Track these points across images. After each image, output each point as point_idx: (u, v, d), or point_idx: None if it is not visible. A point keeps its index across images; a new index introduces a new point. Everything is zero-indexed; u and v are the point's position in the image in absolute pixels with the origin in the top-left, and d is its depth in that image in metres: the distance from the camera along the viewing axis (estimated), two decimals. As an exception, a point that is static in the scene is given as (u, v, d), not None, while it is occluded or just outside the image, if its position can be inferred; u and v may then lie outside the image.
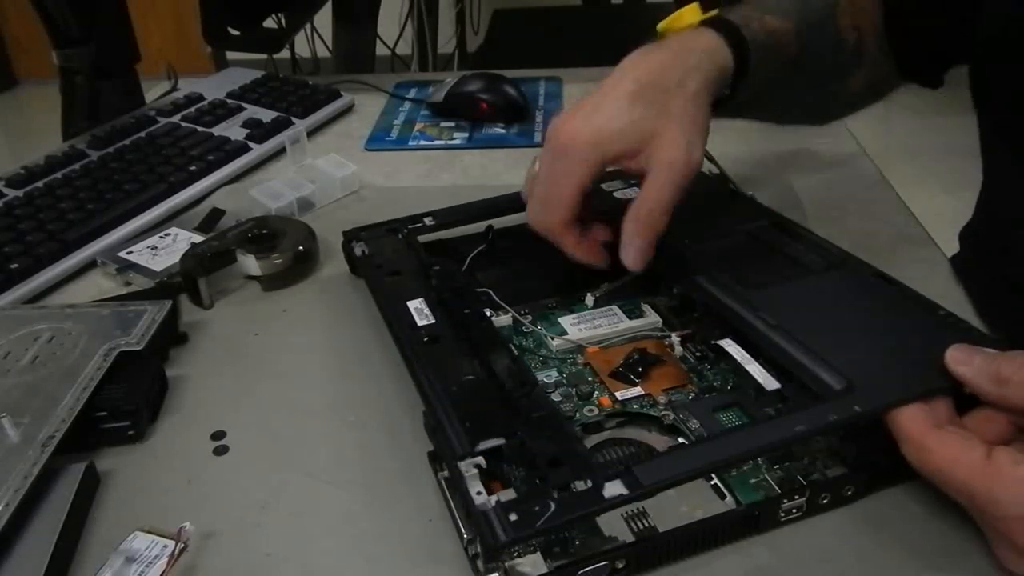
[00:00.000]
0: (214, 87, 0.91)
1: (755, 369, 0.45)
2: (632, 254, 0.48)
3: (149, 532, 0.39)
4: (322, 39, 1.43)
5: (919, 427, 0.37)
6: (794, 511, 0.39)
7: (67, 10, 0.80)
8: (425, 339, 0.47)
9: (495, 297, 0.53)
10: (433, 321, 0.49)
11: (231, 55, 1.41)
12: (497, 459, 0.39)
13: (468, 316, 0.49)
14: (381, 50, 1.47)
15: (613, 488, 0.35)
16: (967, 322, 0.44)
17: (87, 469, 0.43)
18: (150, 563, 0.38)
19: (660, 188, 0.47)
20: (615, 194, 0.60)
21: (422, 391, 0.44)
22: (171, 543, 0.39)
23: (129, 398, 0.47)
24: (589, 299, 0.54)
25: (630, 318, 0.52)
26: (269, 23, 1.04)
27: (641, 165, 0.48)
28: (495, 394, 0.43)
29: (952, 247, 0.64)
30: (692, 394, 0.46)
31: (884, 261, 0.60)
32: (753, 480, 0.41)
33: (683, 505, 0.39)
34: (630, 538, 0.37)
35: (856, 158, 0.74)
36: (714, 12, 0.53)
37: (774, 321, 0.45)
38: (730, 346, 0.47)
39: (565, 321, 0.52)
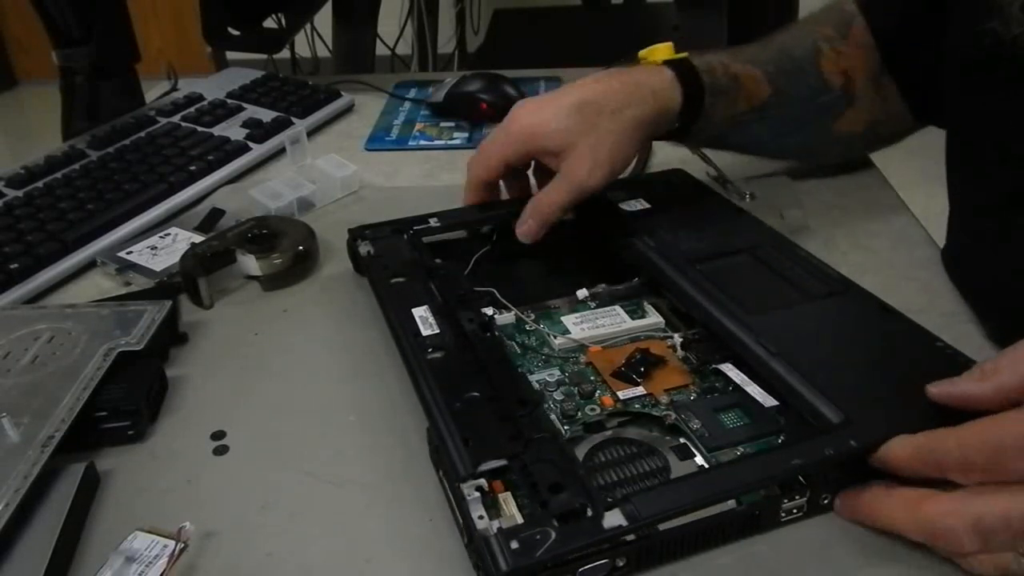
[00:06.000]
0: (214, 87, 0.91)
1: (754, 389, 0.46)
2: (524, 230, 0.57)
3: (149, 532, 0.39)
4: (322, 39, 1.43)
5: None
6: (795, 511, 0.39)
7: (67, 10, 0.80)
8: (430, 350, 0.47)
9: (498, 296, 0.53)
10: (437, 331, 0.49)
11: (231, 55, 1.41)
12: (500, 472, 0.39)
13: (472, 326, 0.49)
14: (381, 50, 1.47)
15: (612, 519, 0.36)
16: (964, 354, 0.44)
17: (87, 469, 0.43)
18: (150, 563, 0.38)
19: (557, 191, 0.56)
20: (620, 205, 0.61)
21: (426, 407, 0.44)
22: (171, 543, 0.39)
23: (129, 398, 0.47)
24: (582, 293, 0.55)
25: (632, 318, 0.52)
26: (269, 23, 1.04)
27: (556, 165, 0.56)
28: (497, 412, 0.43)
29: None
30: (694, 394, 0.46)
31: (884, 261, 0.60)
32: None
33: None
34: (631, 536, 0.37)
35: (856, 158, 0.74)
36: (684, 55, 0.59)
37: (775, 349, 0.45)
38: (730, 371, 0.47)
39: (568, 320, 0.52)
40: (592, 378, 0.48)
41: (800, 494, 0.39)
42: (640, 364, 0.48)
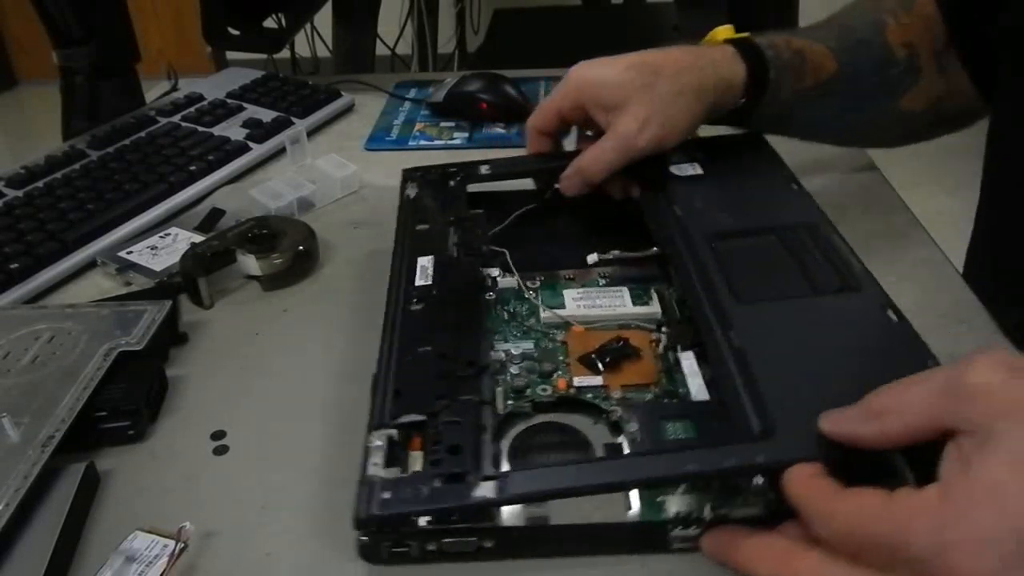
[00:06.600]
0: (214, 87, 0.91)
1: (695, 381, 0.44)
2: (565, 184, 0.56)
3: (149, 532, 0.39)
4: (322, 39, 1.43)
5: (814, 488, 0.34)
6: (687, 540, 0.38)
7: (67, 10, 0.80)
8: (414, 301, 0.47)
9: (508, 259, 0.53)
10: (429, 283, 0.49)
11: (231, 55, 1.41)
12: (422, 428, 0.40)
13: (467, 283, 0.49)
14: (381, 50, 1.47)
15: (484, 490, 0.35)
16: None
17: (87, 469, 0.43)
18: (150, 563, 0.38)
19: (604, 150, 0.54)
20: (671, 168, 0.58)
21: (379, 356, 0.44)
22: (171, 543, 0.39)
23: (129, 398, 0.47)
24: (592, 257, 0.54)
25: (635, 303, 0.51)
26: (269, 23, 1.04)
27: (607, 122, 0.54)
28: (442, 369, 0.43)
29: (952, 247, 0.64)
30: (651, 395, 0.45)
31: (884, 261, 0.60)
32: (662, 498, 0.39)
33: (587, 503, 0.38)
34: (521, 521, 0.37)
35: (856, 158, 0.74)
36: (744, 35, 0.58)
37: (739, 343, 0.41)
38: (687, 359, 0.46)
39: (569, 294, 0.52)
40: (561, 358, 0.47)
41: (696, 525, 0.37)
42: (610, 353, 0.46)
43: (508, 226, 0.58)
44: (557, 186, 0.57)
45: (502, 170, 0.60)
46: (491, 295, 0.52)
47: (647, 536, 0.38)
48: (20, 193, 0.71)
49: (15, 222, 0.66)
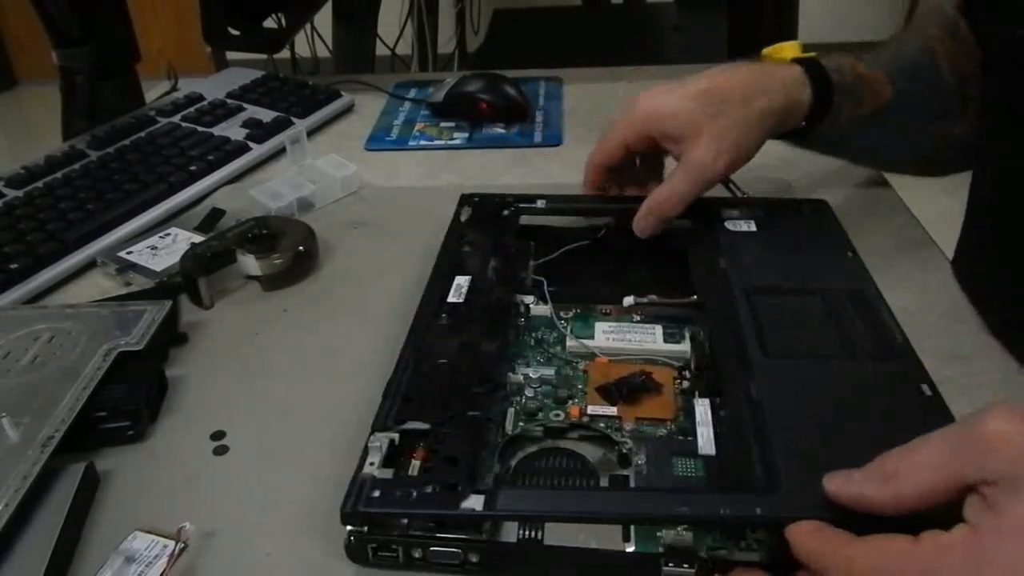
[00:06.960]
0: (214, 87, 0.91)
1: (704, 431, 0.43)
2: (640, 225, 0.56)
3: (149, 532, 0.39)
4: (322, 39, 1.43)
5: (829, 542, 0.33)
6: None
7: (67, 10, 0.80)
8: (443, 316, 0.48)
9: (545, 288, 0.53)
10: (461, 301, 0.49)
11: (231, 55, 1.41)
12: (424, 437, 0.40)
13: (497, 306, 0.49)
14: (381, 50, 1.47)
15: (471, 502, 0.36)
16: None
17: (87, 469, 0.43)
18: (150, 563, 0.38)
19: (679, 181, 0.54)
20: (726, 223, 0.57)
21: (397, 361, 0.45)
22: (171, 543, 0.39)
23: (129, 398, 0.47)
24: (628, 300, 0.53)
25: (666, 341, 0.50)
26: (269, 23, 1.04)
27: (678, 153, 0.55)
28: (456, 383, 0.43)
29: (951, 247, 0.63)
30: (665, 431, 0.45)
31: (884, 261, 0.60)
32: (660, 532, 0.38)
33: (582, 528, 0.38)
34: (511, 538, 0.37)
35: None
36: (812, 54, 0.58)
37: (757, 395, 0.41)
38: (700, 405, 0.45)
39: (601, 326, 0.51)
40: (579, 386, 0.47)
41: (688, 563, 0.36)
42: (628, 386, 0.46)
43: (555, 260, 0.58)
44: (634, 230, 0.56)
45: (557, 205, 0.60)
46: (522, 321, 0.52)
47: (639, 568, 0.37)
48: (20, 193, 0.71)
49: (15, 222, 0.66)
